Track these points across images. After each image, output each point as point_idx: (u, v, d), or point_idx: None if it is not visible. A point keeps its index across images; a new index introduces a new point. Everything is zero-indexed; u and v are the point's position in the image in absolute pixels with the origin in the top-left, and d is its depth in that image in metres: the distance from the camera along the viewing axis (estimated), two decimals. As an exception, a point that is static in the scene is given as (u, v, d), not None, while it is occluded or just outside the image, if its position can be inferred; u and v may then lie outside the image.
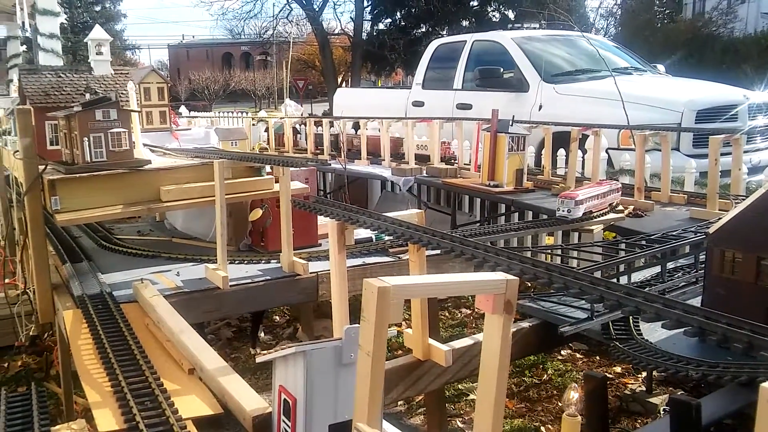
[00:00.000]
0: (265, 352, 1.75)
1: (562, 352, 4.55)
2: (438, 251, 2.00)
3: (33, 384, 1.92)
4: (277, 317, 5.55)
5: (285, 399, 1.67)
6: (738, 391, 1.70)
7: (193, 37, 57.87)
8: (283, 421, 1.68)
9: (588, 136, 5.43)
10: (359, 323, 1.61)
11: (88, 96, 2.87)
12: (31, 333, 3.73)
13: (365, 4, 24.97)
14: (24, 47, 11.32)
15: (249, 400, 1.80)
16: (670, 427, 1.32)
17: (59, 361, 3.65)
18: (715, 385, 1.85)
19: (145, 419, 1.70)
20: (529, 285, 3.75)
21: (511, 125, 5.09)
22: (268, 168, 3.11)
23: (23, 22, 9.60)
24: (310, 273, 3.03)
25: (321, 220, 3.64)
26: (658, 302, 1.23)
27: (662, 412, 3.51)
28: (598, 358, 4.46)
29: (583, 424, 1.35)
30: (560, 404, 3.90)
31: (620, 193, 4.20)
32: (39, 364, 4.45)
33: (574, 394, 1.14)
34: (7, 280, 4.42)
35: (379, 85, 29.08)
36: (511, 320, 1.40)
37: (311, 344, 1.61)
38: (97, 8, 37.21)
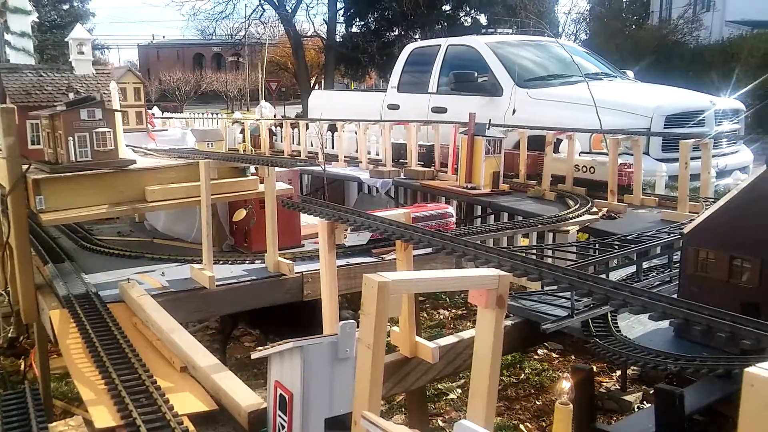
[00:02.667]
0: (260, 348, 1.78)
1: (539, 352, 4.65)
2: (426, 250, 2.06)
3: (26, 383, 1.92)
4: (255, 319, 5.54)
5: (281, 394, 1.70)
6: (714, 384, 1.79)
7: (164, 37, 57.19)
8: (279, 415, 1.71)
9: (562, 140, 5.56)
10: (344, 320, 1.66)
11: (71, 95, 2.86)
12: (9, 335, 3.68)
13: (338, 6, 25.02)
14: (-7, 46, 11.10)
15: (244, 396, 1.83)
16: (655, 414, 1.39)
17: (36, 363, 3.62)
18: (688, 380, 1.94)
19: (142, 415, 1.72)
20: (511, 284, 3.83)
21: (488, 129, 5.19)
22: (252, 168, 3.14)
23: (-7, 21, 9.41)
24: (296, 273, 3.06)
25: (304, 221, 3.67)
26: (644, 295, 1.30)
27: (636, 410, 3.62)
28: (573, 357, 4.57)
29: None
30: (538, 403, 3.99)
31: (448, 221, 3.71)
32: (14, 366, 4.39)
33: (566, 384, 1.21)
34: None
35: (352, 87, 29.11)
36: (503, 314, 1.46)
37: (307, 339, 1.65)
38: (65, 6, 36.53)
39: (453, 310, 5.41)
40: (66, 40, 3.45)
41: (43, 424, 1.68)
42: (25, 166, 2.76)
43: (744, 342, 1.11)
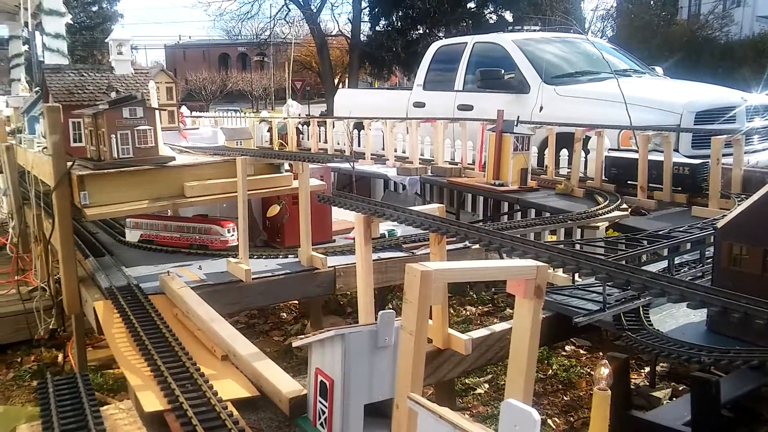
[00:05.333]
0: (301, 336, 1.84)
1: (567, 348, 4.66)
2: (457, 246, 2.10)
3: (77, 371, 2.01)
4: (285, 314, 5.63)
5: (322, 381, 1.76)
6: (748, 376, 1.80)
7: (190, 37, 57.87)
8: (320, 401, 1.77)
9: (590, 136, 5.55)
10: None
11: (113, 94, 2.96)
12: (50, 326, 3.80)
13: (363, 5, 25.07)
14: (26, 47, 11.38)
15: (285, 383, 1.90)
16: (691, 401, 1.42)
17: (73, 355, 3.74)
18: (719, 376, 1.96)
19: (188, 400, 1.79)
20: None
21: (516, 125, 5.21)
22: (286, 165, 3.21)
23: (26, 22, 9.65)
24: (328, 267, 3.13)
25: (335, 217, 3.74)
26: (681, 285, 1.33)
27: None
28: (601, 353, 4.57)
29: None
30: (565, 398, 4.01)
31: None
32: (51, 358, 4.52)
33: (604, 370, 1.24)
34: (17, 277, 4.50)
35: (376, 86, 29.18)
36: (541, 304, 1.50)
37: (348, 328, 1.70)
38: (94, 8, 37.17)
39: (480, 307, 5.43)
40: (106, 41, 3.55)
41: (95, 407, 1.75)
42: (69, 163, 2.86)
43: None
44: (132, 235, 3.60)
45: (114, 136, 2.81)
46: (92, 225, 4.14)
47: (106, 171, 2.82)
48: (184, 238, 3.49)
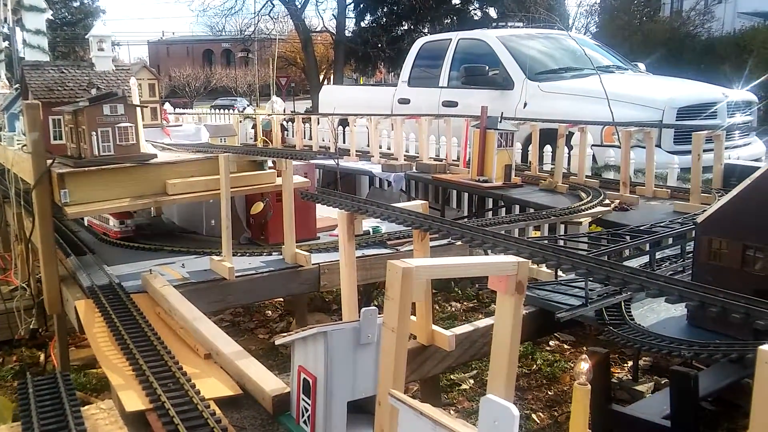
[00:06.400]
0: (284, 334, 1.84)
1: (551, 343, 4.69)
2: (441, 242, 2.10)
3: (59, 370, 1.99)
4: (270, 312, 5.61)
5: (305, 378, 1.76)
6: (727, 369, 1.83)
7: (173, 33, 57.41)
8: (303, 399, 1.77)
9: (573, 132, 5.59)
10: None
11: (93, 91, 2.92)
12: (31, 326, 3.76)
13: (347, 1, 25.00)
14: (6, 43, 11.20)
15: (268, 381, 1.89)
16: (670, 394, 1.43)
17: (56, 355, 3.70)
18: (700, 369, 1.98)
19: (170, 399, 1.78)
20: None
21: (500, 122, 5.22)
22: (270, 162, 3.19)
23: (6, 18, 9.51)
24: (312, 264, 3.12)
25: (319, 214, 3.73)
26: (660, 280, 1.34)
27: (648, 398, 3.65)
28: (584, 348, 4.60)
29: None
30: (549, 393, 4.03)
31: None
32: (33, 358, 4.48)
33: (584, 365, 1.25)
34: (-1, 276, 4.45)
35: (361, 82, 29.11)
36: (522, 300, 1.51)
37: (331, 325, 1.70)
38: (76, 4, 36.73)
39: (465, 303, 5.45)
40: (86, 36, 3.51)
41: (76, 407, 1.74)
42: (49, 161, 2.83)
43: (758, 323, 1.14)
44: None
45: (95, 133, 2.78)
46: (74, 223, 4.10)
47: (86, 169, 2.79)
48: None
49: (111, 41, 3.72)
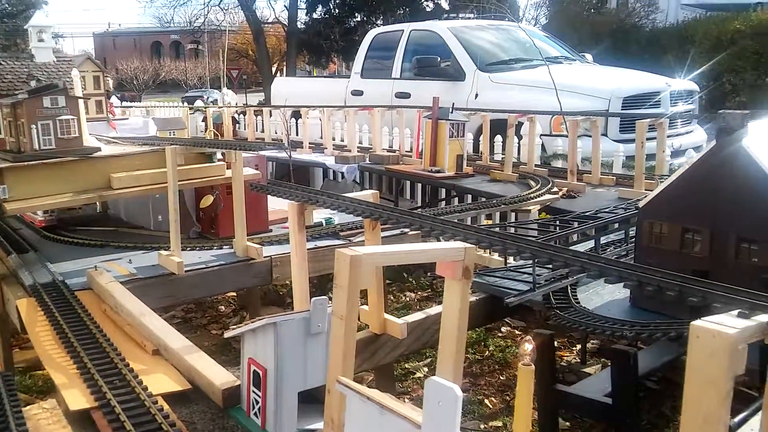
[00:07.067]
0: (233, 327, 1.82)
1: (502, 330, 4.77)
2: (394, 232, 2.11)
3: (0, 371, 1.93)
4: (223, 307, 5.54)
5: (255, 370, 1.75)
6: (667, 347, 1.89)
7: (120, 25, 55.89)
8: (254, 391, 1.76)
9: (523, 123, 5.67)
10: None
11: (33, 83, 2.83)
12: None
13: (299, -8, 24.77)
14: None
15: (217, 375, 1.87)
16: (611, 373, 1.48)
17: None
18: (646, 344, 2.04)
19: (116, 397, 1.75)
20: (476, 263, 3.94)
21: (452, 112, 5.26)
22: (219, 154, 3.15)
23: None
24: (264, 257, 3.10)
25: (271, 206, 3.70)
26: (600, 261, 1.38)
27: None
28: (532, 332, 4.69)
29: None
30: (502, 378, 4.11)
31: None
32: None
33: (528, 346, 1.27)
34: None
35: (315, 74, 28.91)
36: (469, 285, 1.53)
37: (280, 316, 1.69)
38: (17, -6, 35.31)
39: (419, 292, 5.49)
40: (25, 27, 3.39)
41: (17, 408, 1.69)
42: (-15, 155, 2.73)
43: (691, 299, 1.19)
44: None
45: (34, 126, 2.69)
46: (15, 220, 3.96)
47: (26, 163, 2.70)
48: None
49: (52, 32, 3.60)
